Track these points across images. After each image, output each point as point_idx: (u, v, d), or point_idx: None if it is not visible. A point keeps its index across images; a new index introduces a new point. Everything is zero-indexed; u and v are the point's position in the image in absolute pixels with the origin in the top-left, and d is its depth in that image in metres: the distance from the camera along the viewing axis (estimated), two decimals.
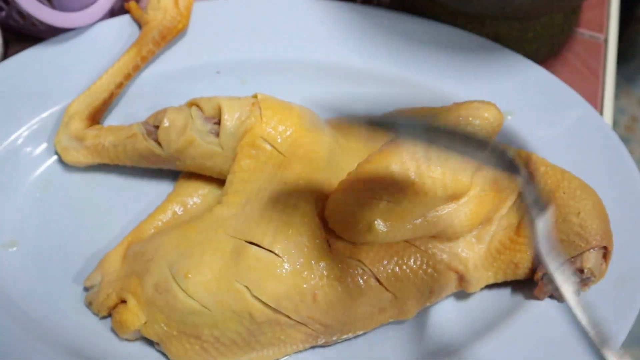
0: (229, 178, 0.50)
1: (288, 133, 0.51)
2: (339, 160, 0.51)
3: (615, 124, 1.99)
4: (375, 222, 0.45)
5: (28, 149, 0.55)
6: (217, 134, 0.51)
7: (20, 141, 0.55)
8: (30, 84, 0.57)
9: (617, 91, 2.09)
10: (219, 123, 0.51)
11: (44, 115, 0.56)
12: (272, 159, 0.50)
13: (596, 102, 0.64)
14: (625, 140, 1.95)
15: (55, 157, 0.56)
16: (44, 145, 0.56)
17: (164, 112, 0.52)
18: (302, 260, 0.46)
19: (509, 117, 0.58)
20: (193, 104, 0.52)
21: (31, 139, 0.55)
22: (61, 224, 0.54)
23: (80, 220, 0.54)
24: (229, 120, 0.51)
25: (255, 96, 0.52)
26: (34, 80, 0.57)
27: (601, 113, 0.64)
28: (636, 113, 2.06)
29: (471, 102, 0.48)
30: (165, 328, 0.47)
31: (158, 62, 0.60)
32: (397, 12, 0.62)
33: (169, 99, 0.57)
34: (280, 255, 0.45)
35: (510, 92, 0.59)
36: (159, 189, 0.56)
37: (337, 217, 0.46)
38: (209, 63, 0.60)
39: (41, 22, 0.57)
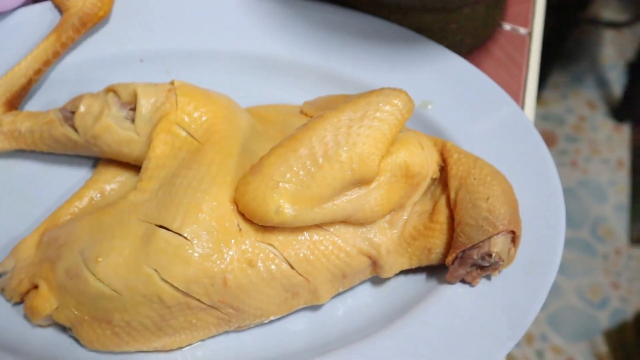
0: (144, 164, 0.50)
1: (203, 119, 0.51)
2: (255, 147, 0.51)
3: (563, 123, 2.03)
4: (283, 206, 0.45)
5: None
6: (133, 120, 0.51)
7: None
8: None
9: (566, 91, 2.13)
10: (135, 109, 0.51)
11: None
12: (187, 145, 0.50)
13: (518, 95, 0.65)
14: (573, 139, 1.99)
15: None
16: None
17: (80, 98, 0.52)
18: (211, 244, 0.46)
19: (429, 107, 0.58)
20: (110, 90, 0.52)
21: None
22: None
23: None
24: (145, 106, 0.51)
25: (172, 82, 0.52)
26: None
27: (523, 105, 0.65)
28: (584, 113, 2.10)
29: (382, 88, 0.49)
30: (76, 313, 0.47)
31: (80, 49, 0.59)
32: (321, 2, 0.63)
33: (90, 86, 0.57)
34: (189, 238, 0.45)
35: (431, 82, 0.59)
36: (78, 176, 0.56)
37: (246, 200, 0.46)
38: (132, 51, 0.60)
39: None
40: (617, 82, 2.17)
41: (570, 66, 2.19)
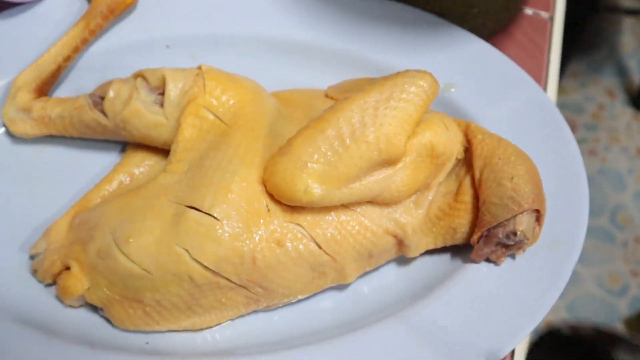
0: (172, 147, 0.51)
1: (231, 102, 0.51)
2: (282, 129, 0.52)
3: (583, 112, 2.03)
4: (311, 186, 0.46)
5: None
6: (162, 105, 0.52)
7: None
8: None
9: (585, 79, 2.12)
10: (163, 94, 0.52)
11: None
12: (215, 128, 0.51)
13: (540, 78, 0.66)
14: (592, 127, 1.98)
15: (2, 129, 0.56)
16: None
17: (109, 83, 0.53)
18: (240, 224, 0.47)
19: (452, 90, 0.59)
20: (139, 75, 0.53)
21: None
22: (8, 195, 0.54)
23: (28, 191, 0.55)
24: (173, 90, 0.51)
25: (199, 67, 0.53)
26: None
27: (545, 88, 0.65)
28: (603, 101, 2.09)
29: (407, 70, 0.50)
30: (107, 293, 0.48)
31: (108, 36, 0.60)
32: None
33: (118, 72, 0.58)
34: (219, 218, 0.46)
35: (453, 65, 0.60)
36: (107, 160, 0.57)
37: (274, 180, 0.47)
38: (158, 37, 0.61)
39: None
40: (636, 70, 2.16)
41: (589, 54, 2.18)
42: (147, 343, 0.49)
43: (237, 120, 0.51)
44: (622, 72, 2.15)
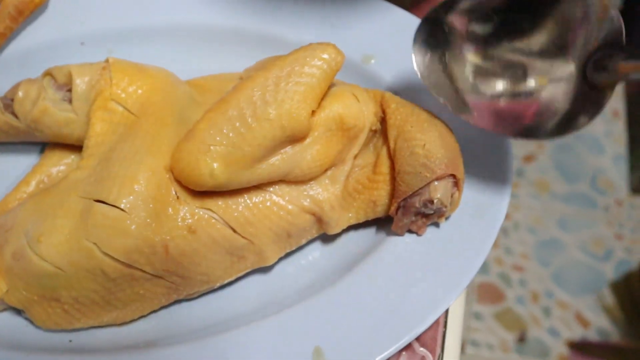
0: (85, 143, 0.51)
1: (139, 92, 0.51)
2: (193, 116, 0.51)
3: None
4: (216, 169, 0.45)
5: None
6: (70, 101, 0.51)
7: None
8: None
9: None
10: (71, 90, 0.51)
11: None
12: (124, 120, 0.50)
13: None
14: None
15: None
16: None
17: (18, 84, 0.53)
18: (149, 213, 0.46)
19: (372, 61, 0.58)
20: (47, 74, 0.53)
21: None
22: None
23: None
24: (80, 85, 0.51)
25: (106, 60, 0.52)
26: None
27: None
28: None
29: (310, 44, 0.49)
30: (26, 294, 0.48)
31: (21, 37, 0.59)
32: None
33: (34, 73, 0.57)
34: (126, 210, 0.46)
35: (372, 36, 0.59)
36: (26, 162, 0.56)
37: (180, 166, 0.46)
38: (73, 35, 0.60)
39: None
40: None
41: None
42: (71, 341, 0.49)
43: (145, 110, 0.50)
44: None
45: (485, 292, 1.67)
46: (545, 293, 1.65)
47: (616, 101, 1.93)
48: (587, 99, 0.47)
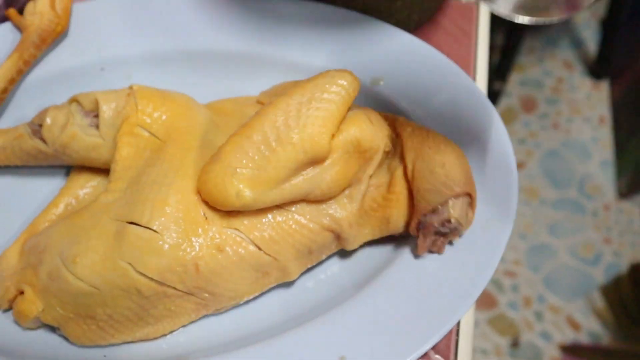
0: (112, 167, 0.53)
1: (163, 118, 0.53)
2: (214, 139, 0.54)
3: (542, 87, 2.05)
4: (242, 190, 0.48)
5: None
6: (97, 126, 0.54)
7: None
8: None
9: (542, 54, 2.15)
10: (98, 116, 0.54)
11: None
12: (150, 145, 0.53)
13: (470, 64, 0.68)
14: (553, 101, 2.02)
15: None
16: None
17: (46, 111, 0.55)
18: (180, 234, 0.49)
19: (381, 83, 0.61)
20: (73, 100, 0.55)
21: None
22: None
23: None
24: (106, 111, 0.53)
25: (130, 87, 0.55)
26: None
27: (475, 74, 0.68)
28: (561, 74, 2.12)
29: (328, 71, 0.52)
30: (61, 312, 0.50)
31: (43, 64, 0.62)
32: None
33: (56, 99, 0.60)
34: (158, 231, 0.48)
35: (380, 60, 0.62)
36: (53, 185, 0.59)
37: (207, 188, 0.49)
38: (93, 61, 0.62)
39: None
40: (591, 40, 2.19)
41: (543, 29, 2.21)
42: (105, 356, 0.51)
43: (170, 135, 0.53)
44: (577, 43, 2.18)
45: (478, 298, 1.70)
46: (537, 298, 1.68)
47: (601, 108, 1.97)
48: None
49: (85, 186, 0.56)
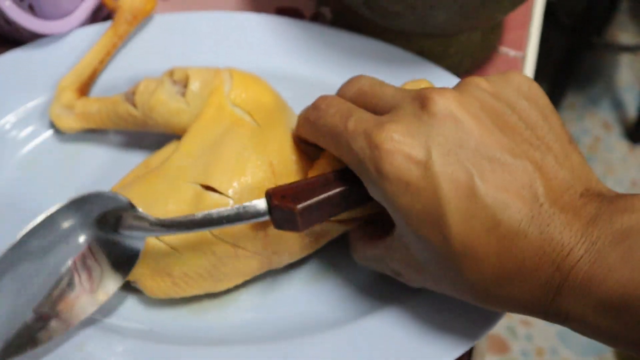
0: (188, 129, 0.58)
1: (250, 94, 0.58)
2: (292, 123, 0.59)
3: (579, 143, 2.09)
4: None
5: (14, 132, 0.63)
6: (184, 95, 0.59)
7: (7, 126, 0.63)
8: (16, 79, 0.64)
9: (582, 112, 2.19)
10: (186, 86, 0.59)
11: (29, 105, 0.64)
12: (232, 116, 0.57)
13: None
14: (588, 159, 2.05)
15: (50, 131, 0.64)
16: (29, 129, 0.64)
17: (140, 81, 0.61)
18: None
19: None
20: (167, 73, 0.61)
21: (17, 125, 0.63)
22: (46, 199, 0.60)
23: (65, 195, 0.57)
24: (194, 82, 0.58)
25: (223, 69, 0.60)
26: (19, 76, 0.64)
27: None
28: (599, 133, 2.15)
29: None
30: (140, 270, 0.54)
31: (129, 68, 0.68)
32: (337, 28, 0.70)
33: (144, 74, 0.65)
34: (234, 198, 0.53)
35: None
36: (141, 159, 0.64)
37: None
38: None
39: (25, 29, 0.64)
40: (632, 104, 2.22)
41: (586, 88, 2.25)
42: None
43: (254, 110, 0.57)
44: (618, 105, 2.21)
45: (491, 342, 1.72)
46: (550, 350, 1.70)
47: (636, 171, 1.98)
48: None
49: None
